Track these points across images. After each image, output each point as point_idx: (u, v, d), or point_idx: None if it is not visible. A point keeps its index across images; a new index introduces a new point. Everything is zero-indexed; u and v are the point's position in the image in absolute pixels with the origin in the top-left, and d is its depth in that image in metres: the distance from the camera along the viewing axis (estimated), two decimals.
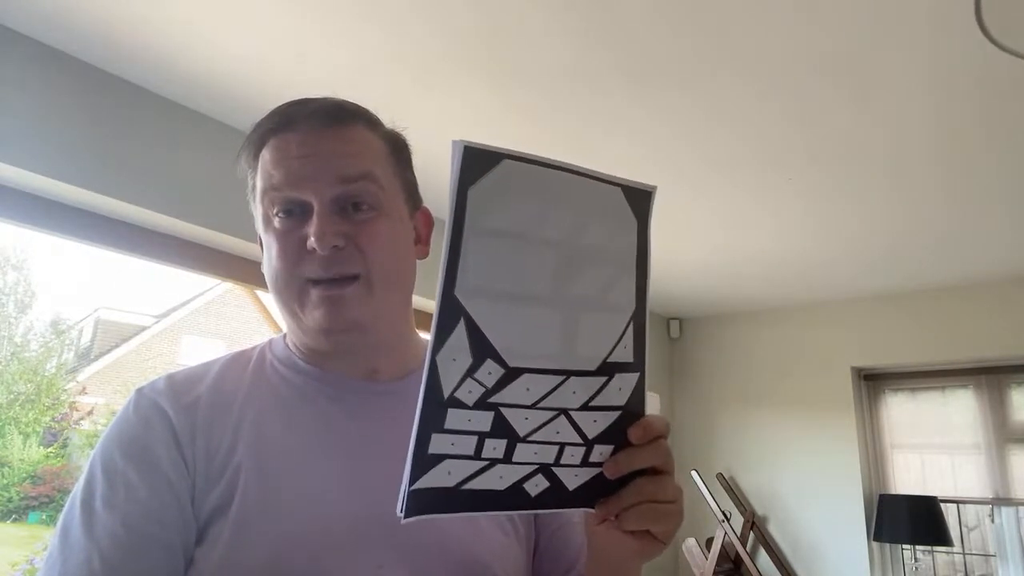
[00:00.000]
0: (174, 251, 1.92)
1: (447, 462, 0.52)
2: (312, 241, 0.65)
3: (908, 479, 3.33)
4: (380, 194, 0.70)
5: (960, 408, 3.29)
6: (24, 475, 5.29)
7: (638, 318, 0.54)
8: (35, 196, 1.65)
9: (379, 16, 1.48)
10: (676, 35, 1.51)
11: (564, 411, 0.53)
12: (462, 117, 1.86)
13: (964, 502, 3.17)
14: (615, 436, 0.54)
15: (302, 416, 0.70)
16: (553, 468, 0.54)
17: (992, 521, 3.11)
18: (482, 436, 0.51)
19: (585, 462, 0.55)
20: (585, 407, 0.53)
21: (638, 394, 0.54)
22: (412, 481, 0.51)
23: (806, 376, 3.52)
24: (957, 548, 3.12)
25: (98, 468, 0.63)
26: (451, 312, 0.49)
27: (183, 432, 0.65)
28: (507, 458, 0.53)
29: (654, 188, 0.56)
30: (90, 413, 6.24)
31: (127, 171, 1.70)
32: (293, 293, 0.68)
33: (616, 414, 0.54)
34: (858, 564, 3.18)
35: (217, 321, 9.15)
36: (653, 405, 3.56)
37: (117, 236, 1.79)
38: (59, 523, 0.62)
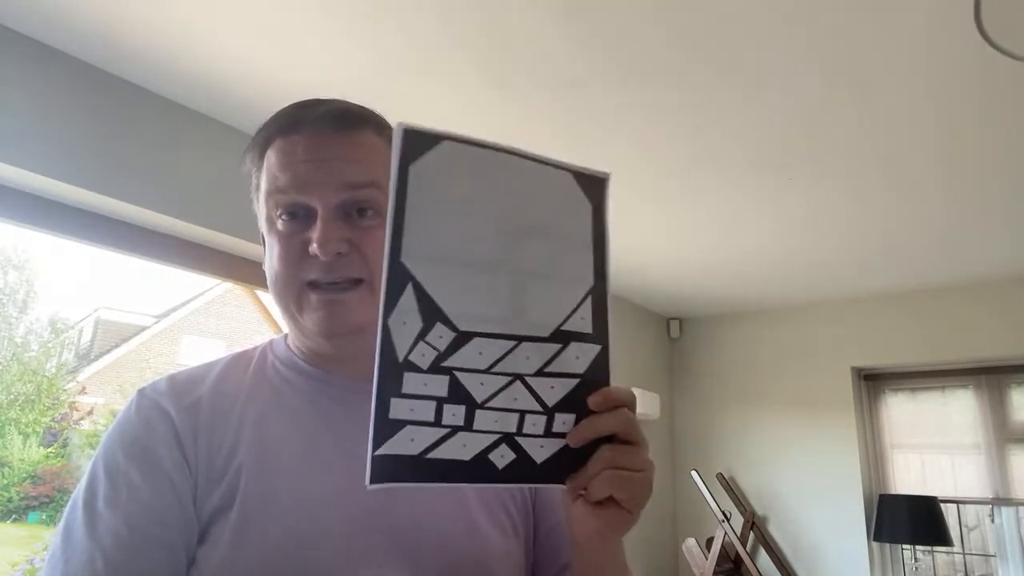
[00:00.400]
0: (174, 251, 1.92)
1: (409, 428, 0.54)
2: (315, 247, 0.65)
3: (908, 479, 3.33)
4: (385, 201, 0.69)
5: (960, 408, 3.29)
6: (24, 475, 5.29)
7: (597, 292, 0.56)
8: (35, 196, 1.65)
9: (380, 17, 1.48)
10: (676, 36, 1.51)
11: (519, 376, 0.54)
12: (464, 118, 1.86)
13: (964, 502, 3.17)
14: (577, 406, 0.56)
15: (303, 417, 0.70)
16: (516, 438, 0.55)
17: (992, 521, 3.11)
18: (440, 401, 0.53)
19: (548, 432, 0.56)
20: (540, 373, 0.55)
21: (600, 365, 0.56)
22: (376, 446, 0.52)
23: (806, 376, 3.52)
24: (957, 548, 3.12)
25: (100, 468, 0.64)
26: (398, 277, 0.52)
27: (185, 433, 0.65)
28: (468, 425, 0.54)
29: (607, 175, 0.58)
30: (90, 413, 6.24)
31: (127, 171, 1.70)
32: (292, 295, 0.68)
33: (574, 382, 0.56)
34: (858, 564, 3.18)
35: (217, 321, 9.15)
36: (652, 405, 3.56)
37: (117, 236, 1.79)
38: (61, 523, 0.62)
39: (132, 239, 1.82)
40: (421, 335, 0.52)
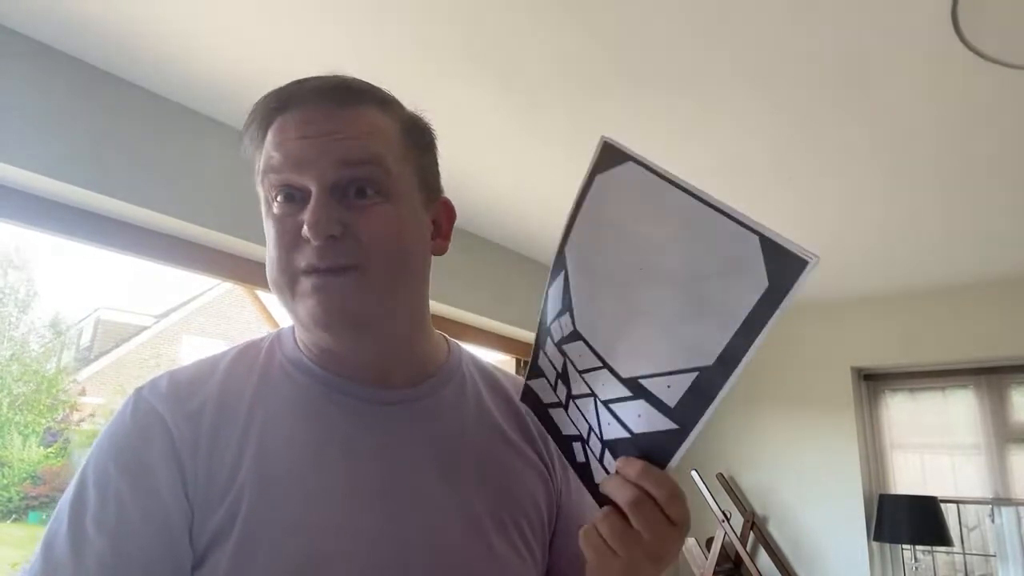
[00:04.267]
0: (174, 251, 1.92)
1: (542, 380, 0.62)
2: (306, 231, 0.60)
3: (908, 479, 3.33)
4: (386, 180, 0.64)
5: (960, 408, 3.29)
6: (24, 475, 5.29)
7: (710, 377, 0.48)
8: (35, 196, 1.65)
9: (384, 17, 1.48)
10: (677, 37, 1.51)
11: (594, 395, 0.57)
12: (469, 118, 1.86)
13: (964, 502, 3.17)
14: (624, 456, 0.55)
15: (310, 430, 0.64)
16: (586, 445, 0.59)
17: (992, 521, 3.11)
18: (556, 375, 0.60)
19: (600, 460, 0.57)
20: (607, 405, 0.56)
21: (663, 442, 0.51)
22: (528, 376, 0.64)
23: (806, 376, 3.52)
24: (957, 548, 3.12)
25: (90, 479, 0.59)
26: (560, 262, 0.60)
27: (184, 447, 0.60)
28: (565, 407, 0.60)
29: (811, 259, 0.45)
30: (92, 415, 6.24)
31: (127, 171, 1.70)
32: (286, 283, 0.63)
33: (626, 435, 0.54)
34: (858, 564, 3.18)
35: (217, 321, 9.14)
36: None
37: (117, 236, 1.79)
38: (45, 532, 0.58)
39: (132, 239, 1.82)
40: (558, 315, 0.58)
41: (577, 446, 0.59)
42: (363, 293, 0.62)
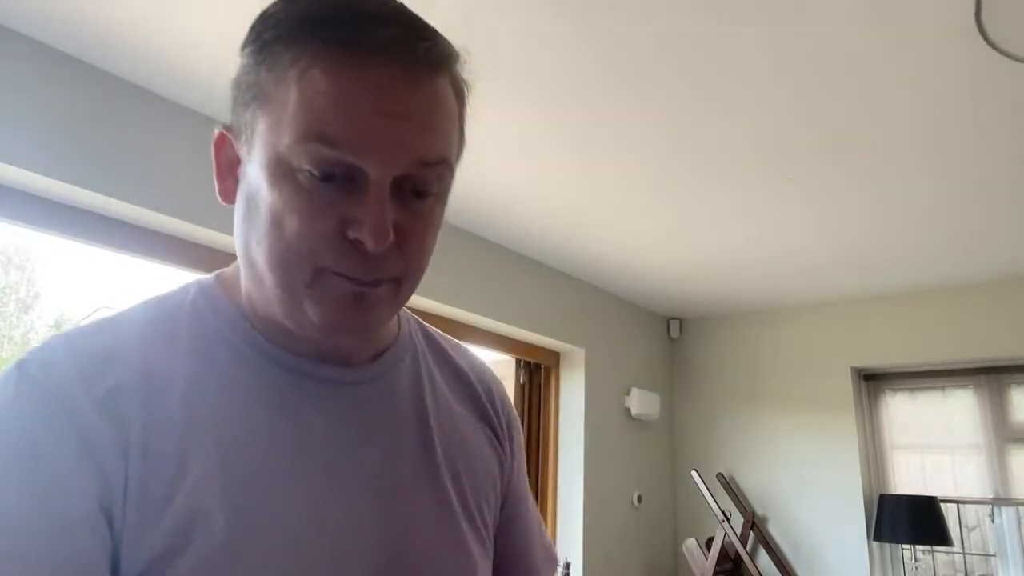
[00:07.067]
0: (175, 251, 1.92)
1: None
2: (361, 232, 0.48)
3: (908, 479, 3.33)
4: (448, 181, 0.55)
5: (960, 408, 3.29)
6: None
7: None
8: (35, 196, 1.65)
9: None
10: (677, 37, 1.51)
11: None
12: (467, 119, 1.86)
13: (964, 502, 3.17)
14: None
15: (275, 428, 0.53)
16: None
17: (992, 521, 3.11)
18: None
19: None
20: None
21: None
22: None
23: (806, 376, 3.52)
24: (957, 548, 3.12)
25: None
26: None
27: (101, 436, 0.46)
28: None
29: None
30: None
31: (127, 171, 1.70)
32: (300, 278, 0.50)
33: None
34: (858, 564, 3.18)
35: None
36: (652, 405, 3.56)
37: (117, 236, 1.79)
38: None
39: (132, 239, 1.82)
40: None
41: None
42: (393, 309, 0.55)
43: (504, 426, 0.73)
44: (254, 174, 0.51)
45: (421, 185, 0.51)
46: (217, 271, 0.63)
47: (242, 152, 0.54)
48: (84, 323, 0.53)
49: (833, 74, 1.63)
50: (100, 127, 1.67)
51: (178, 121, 1.84)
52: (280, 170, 0.49)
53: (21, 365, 0.48)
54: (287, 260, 0.50)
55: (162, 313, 0.56)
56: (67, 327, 0.51)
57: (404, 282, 0.54)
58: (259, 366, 0.55)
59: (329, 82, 0.48)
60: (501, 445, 0.72)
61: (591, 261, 3.07)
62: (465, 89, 0.57)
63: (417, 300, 2.34)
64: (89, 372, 0.48)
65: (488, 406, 0.72)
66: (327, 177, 0.48)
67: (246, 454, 0.51)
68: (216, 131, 0.58)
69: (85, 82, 1.65)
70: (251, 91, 0.52)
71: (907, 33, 1.47)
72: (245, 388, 0.53)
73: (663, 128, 1.91)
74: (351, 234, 0.49)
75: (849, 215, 2.47)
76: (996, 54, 1.35)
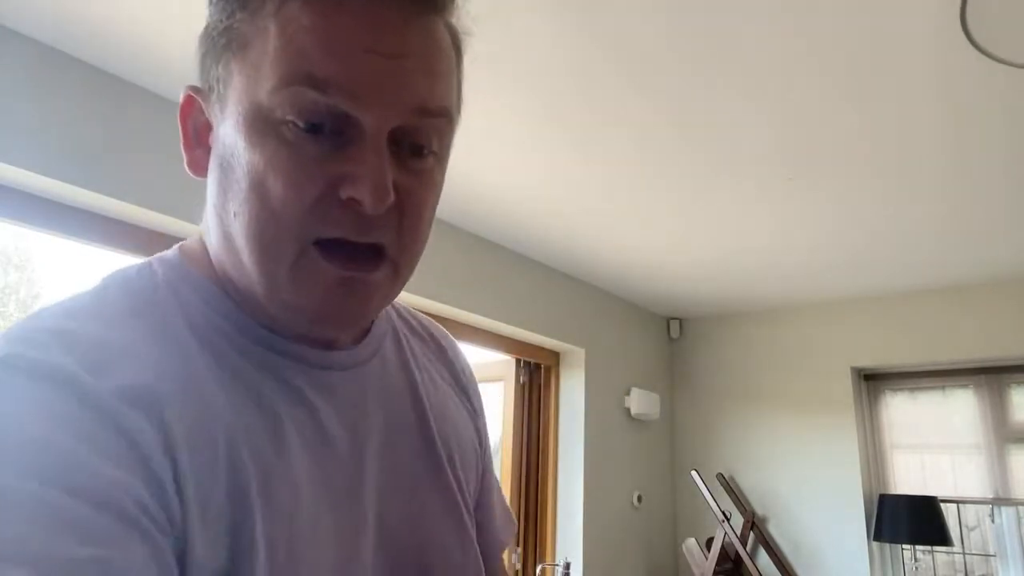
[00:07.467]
0: None
1: None
2: (356, 189, 0.42)
3: (908, 479, 3.33)
4: (448, 136, 0.49)
5: (960, 408, 3.29)
6: None
7: None
8: (35, 196, 1.65)
9: None
10: (677, 38, 1.51)
11: None
12: (468, 119, 1.86)
13: (964, 502, 3.17)
14: None
15: (293, 428, 0.47)
16: None
17: (992, 521, 3.11)
18: None
19: None
20: None
21: None
22: None
23: (806, 376, 3.52)
24: (957, 548, 3.12)
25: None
26: None
27: (144, 435, 0.38)
28: None
29: None
30: None
31: (127, 171, 1.71)
32: (286, 254, 0.44)
33: None
34: (858, 564, 3.18)
35: None
36: (652, 405, 3.56)
37: (117, 236, 1.79)
38: None
39: (132, 239, 1.82)
40: None
41: None
42: (386, 299, 0.49)
43: (473, 389, 0.68)
44: (228, 134, 0.45)
45: (420, 138, 0.46)
46: (177, 244, 0.54)
47: (213, 113, 0.48)
48: (46, 313, 0.43)
49: (834, 77, 1.63)
50: (100, 127, 1.67)
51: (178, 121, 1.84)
52: (259, 124, 0.43)
53: (10, 359, 0.38)
54: (271, 232, 0.44)
55: (141, 301, 0.46)
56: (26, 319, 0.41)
57: (402, 261, 0.48)
58: (260, 357, 0.48)
59: (314, 17, 0.42)
60: (475, 411, 0.67)
61: (591, 261, 3.08)
62: (462, 42, 0.51)
63: (417, 300, 2.33)
64: (101, 367, 0.39)
65: (459, 370, 0.67)
66: (314, 128, 0.43)
67: (272, 459, 0.44)
68: (182, 94, 0.51)
69: (84, 82, 1.65)
70: (223, 38, 0.45)
71: (904, 35, 1.47)
72: (256, 386, 0.47)
73: (664, 128, 1.91)
74: (344, 193, 0.43)
75: (849, 215, 2.47)
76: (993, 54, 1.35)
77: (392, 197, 0.43)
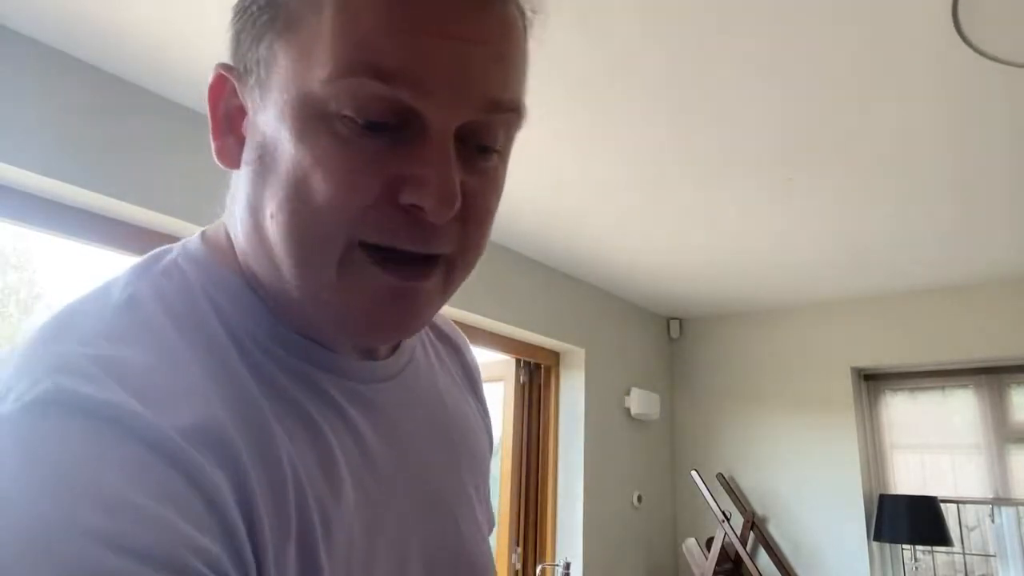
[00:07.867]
0: None
1: None
2: (421, 196, 0.37)
3: (908, 479, 3.33)
4: (513, 140, 0.45)
5: (960, 408, 3.29)
6: None
7: None
8: (35, 196, 1.65)
9: None
10: (677, 38, 1.51)
11: None
12: None
13: (964, 502, 3.17)
14: None
15: (341, 456, 0.43)
16: None
17: (992, 521, 3.11)
18: None
19: None
20: None
21: None
22: None
23: (806, 376, 3.52)
24: (957, 548, 3.12)
25: None
26: None
27: (227, 493, 0.34)
28: None
29: None
30: None
31: (127, 171, 1.71)
32: (330, 259, 0.39)
33: None
34: (858, 564, 3.18)
35: None
36: (652, 405, 3.56)
37: (117, 236, 1.79)
38: None
39: (132, 239, 1.82)
40: None
41: None
42: (436, 309, 0.44)
43: (481, 388, 0.65)
44: (270, 125, 0.40)
45: (486, 138, 0.40)
46: (199, 232, 0.49)
47: (250, 99, 0.42)
48: (77, 335, 0.37)
49: (831, 75, 1.63)
50: (100, 127, 1.67)
51: (178, 121, 1.84)
52: (309, 116, 0.38)
53: (51, 395, 0.32)
54: (314, 234, 0.39)
55: (183, 316, 0.41)
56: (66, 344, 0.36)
57: (456, 268, 0.43)
58: (304, 371, 0.44)
59: None
60: (484, 411, 0.64)
61: (591, 261, 3.08)
62: (529, 26, 0.45)
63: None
64: (162, 402, 0.34)
65: (472, 370, 0.64)
66: (373, 127, 0.37)
67: (337, 516, 0.41)
68: (213, 73, 0.44)
69: (85, 82, 1.65)
70: (265, 14, 0.40)
71: (904, 36, 1.47)
72: (301, 401, 0.43)
73: (664, 128, 1.91)
74: (405, 199, 0.38)
75: (849, 215, 2.47)
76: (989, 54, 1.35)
77: (459, 203, 0.38)
